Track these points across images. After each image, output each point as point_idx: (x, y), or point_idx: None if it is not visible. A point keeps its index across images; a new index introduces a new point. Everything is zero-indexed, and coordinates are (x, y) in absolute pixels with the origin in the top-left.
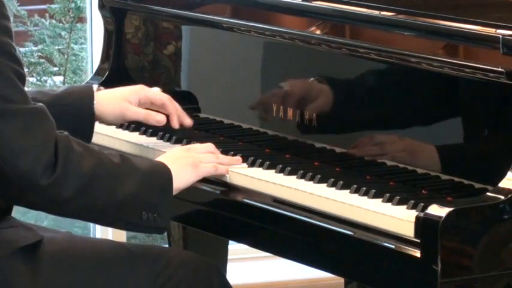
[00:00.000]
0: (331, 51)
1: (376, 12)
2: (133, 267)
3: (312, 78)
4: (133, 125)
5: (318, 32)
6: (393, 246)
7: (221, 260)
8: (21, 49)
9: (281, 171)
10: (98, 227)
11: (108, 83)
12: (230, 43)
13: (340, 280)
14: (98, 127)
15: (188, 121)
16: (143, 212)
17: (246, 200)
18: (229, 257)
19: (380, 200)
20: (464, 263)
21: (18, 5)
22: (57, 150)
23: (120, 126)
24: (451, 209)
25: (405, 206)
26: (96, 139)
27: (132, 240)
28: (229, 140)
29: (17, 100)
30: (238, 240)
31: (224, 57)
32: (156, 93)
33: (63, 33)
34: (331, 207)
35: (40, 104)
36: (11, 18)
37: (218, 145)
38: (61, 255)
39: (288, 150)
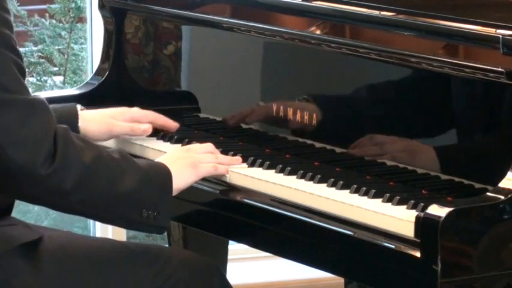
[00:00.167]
0: (331, 51)
1: (376, 12)
2: (133, 265)
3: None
4: None
5: (318, 32)
6: (393, 246)
7: (221, 260)
8: (21, 49)
9: (281, 171)
10: (98, 227)
11: (108, 83)
12: (230, 43)
13: (340, 280)
14: None
15: (174, 125)
16: (143, 209)
17: (246, 200)
18: (229, 257)
19: (380, 200)
20: (464, 263)
21: (18, 5)
22: (57, 141)
23: None
24: (451, 209)
25: (405, 206)
26: None
27: (132, 240)
28: (229, 140)
29: (16, 90)
30: (238, 240)
31: (224, 57)
32: (141, 112)
33: (63, 33)
34: (331, 207)
35: (40, 97)
36: (11, 18)
37: (218, 145)
38: (61, 252)
39: (288, 150)
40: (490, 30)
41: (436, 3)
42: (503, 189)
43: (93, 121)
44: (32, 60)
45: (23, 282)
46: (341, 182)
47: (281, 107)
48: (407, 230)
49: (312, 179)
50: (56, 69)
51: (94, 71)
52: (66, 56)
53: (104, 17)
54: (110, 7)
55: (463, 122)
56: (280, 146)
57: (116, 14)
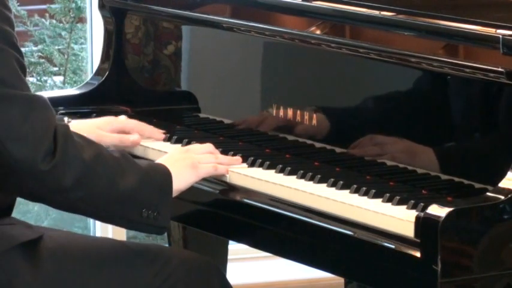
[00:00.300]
0: (331, 51)
1: (376, 12)
2: (132, 265)
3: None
4: None
5: (318, 32)
6: (393, 246)
7: (221, 260)
8: (22, 49)
9: (281, 171)
10: (98, 227)
11: (108, 83)
12: (230, 43)
13: (340, 280)
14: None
15: (160, 135)
16: (143, 209)
17: (246, 200)
18: (229, 257)
19: (380, 200)
20: (464, 263)
21: (18, 5)
22: (57, 138)
23: None
24: (451, 209)
25: (405, 206)
26: None
27: (132, 240)
28: (229, 140)
29: (17, 86)
30: (238, 240)
31: (224, 57)
32: (127, 122)
33: (63, 33)
34: (331, 207)
35: (42, 95)
36: (12, 16)
37: (218, 145)
38: (61, 252)
39: (288, 150)
40: (490, 30)
41: (436, 3)
42: (503, 189)
43: (81, 132)
44: (32, 60)
45: (23, 281)
46: (341, 182)
47: (281, 107)
48: (407, 230)
49: (312, 179)
50: (56, 69)
51: (94, 71)
52: (66, 56)
53: (104, 17)
54: (110, 7)
55: (463, 122)
56: (280, 146)
57: (116, 14)
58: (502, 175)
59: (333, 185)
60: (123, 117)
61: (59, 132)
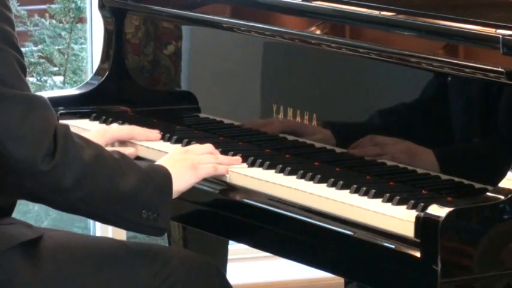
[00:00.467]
0: (331, 51)
1: (376, 12)
2: (132, 264)
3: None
4: None
5: (318, 32)
6: (393, 246)
7: (221, 260)
8: (22, 49)
9: (281, 171)
10: (98, 227)
11: (108, 83)
12: (230, 43)
13: (340, 280)
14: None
15: (156, 136)
16: (143, 210)
17: (246, 200)
18: (229, 257)
19: (380, 200)
20: (464, 263)
21: (18, 5)
22: (57, 138)
23: None
24: (451, 209)
25: (405, 206)
26: None
27: (132, 240)
28: (229, 140)
29: (17, 86)
30: (238, 240)
31: (224, 57)
32: (119, 130)
33: (63, 33)
34: (331, 207)
35: (42, 95)
36: (13, 16)
37: (218, 145)
38: (61, 251)
39: (288, 150)
40: (490, 30)
41: (436, 3)
42: (503, 189)
43: None
44: (32, 60)
45: (23, 281)
46: (341, 182)
47: (281, 107)
48: (407, 230)
49: (312, 179)
50: (56, 69)
51: (94, 71)
52: (66, 56)
53: (104, 17)
54: (110, 7)
55: (463, 122)
56: (280, 146)
57: (116, 14)
58: (502, 175)
59: (333, 185)
60: (114, 126)
61: (59, 133)
